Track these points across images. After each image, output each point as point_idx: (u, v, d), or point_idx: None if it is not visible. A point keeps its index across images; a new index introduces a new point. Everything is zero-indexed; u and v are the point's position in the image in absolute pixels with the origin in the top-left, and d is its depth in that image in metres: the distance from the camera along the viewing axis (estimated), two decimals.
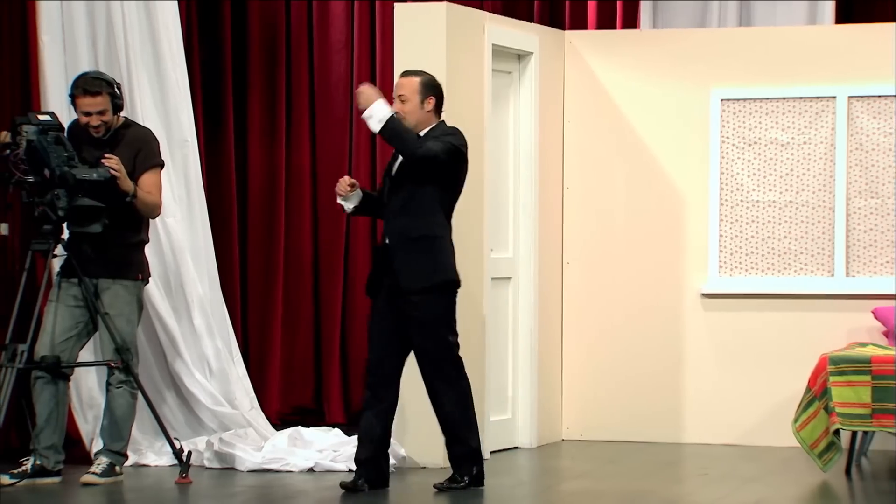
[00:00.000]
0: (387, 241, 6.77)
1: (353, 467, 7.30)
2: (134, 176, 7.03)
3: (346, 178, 6.87)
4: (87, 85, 6.97)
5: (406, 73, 6.88)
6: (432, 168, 6.67)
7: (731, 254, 8.47)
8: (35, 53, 7.83)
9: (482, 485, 6.86)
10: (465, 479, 6.85)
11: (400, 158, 6.78)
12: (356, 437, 6.97)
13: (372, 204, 6.92)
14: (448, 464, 6.96)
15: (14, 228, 7.64)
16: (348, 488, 6.78)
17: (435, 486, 6.86)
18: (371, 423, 6.80)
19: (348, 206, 6.91)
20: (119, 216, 6.99)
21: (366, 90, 6.70)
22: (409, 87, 6.78)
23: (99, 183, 6.87)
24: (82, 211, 6.85)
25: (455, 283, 6.81)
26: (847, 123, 8.29)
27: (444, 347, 6.77)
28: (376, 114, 6.63)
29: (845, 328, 8.16)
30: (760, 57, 8.40)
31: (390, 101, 6.74)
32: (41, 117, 6.91)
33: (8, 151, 6.85)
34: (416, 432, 7.45)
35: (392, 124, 6.62)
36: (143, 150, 7.06)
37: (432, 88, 6.81)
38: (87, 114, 6.99)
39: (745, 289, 8.40)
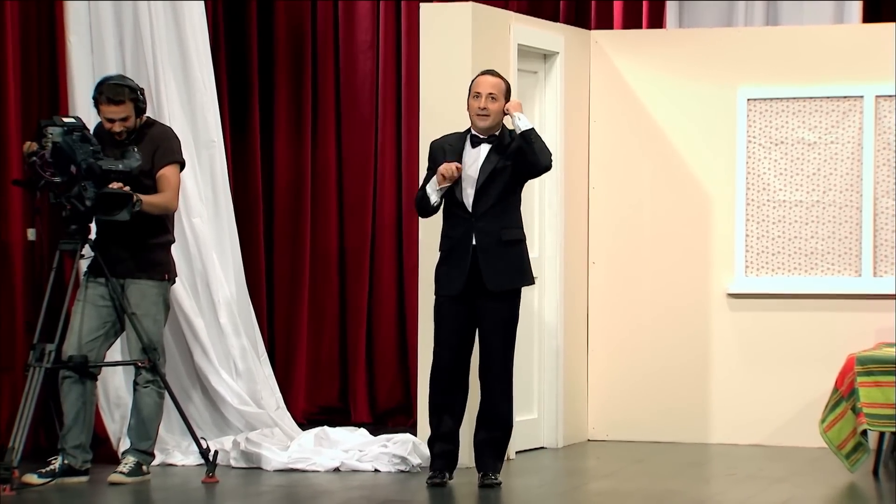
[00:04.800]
0: (473, 242, 6.82)
1: (379, 467, 7.34)
2: (152, 172, 7.06)
3: (456, 164, 6.82)
4: (111, 93, 6.98)
5: (492, 73, 6.94)
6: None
7: (758, 254, 8.44)
8: (62, 53, 7.86)
9: None
10: (499, 478, 6.93)
11: (482, 160, 6.82)
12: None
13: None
14: (472, 462, 7.03)
15: (42, 235, 7.68)
16: (437, 484, 6.88)
17: (483, 486, 6.91)
18: (447, 421, 6.91)
19: (438, 197, 6.87)
20: (146, 217, 7.01)
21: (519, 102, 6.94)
22: (498, 88, 6.88)
23: (125, 173, 6.90)
24: (109, 198, 6.86)
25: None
26: (874, 123, 8.26)
27: (512, 347, 6.94)
28: (524, 118, 6.85)
29: (873, 328, 8.13)
30: (787, 56, 8.38)
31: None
32: (66, 120, 6.94)
33: (34, 159, 6.87)
34: None
35: (536, 132, 6.84)
36: (161, 147, 7.09)
37: (510, 93, 6.95)
38: (111, 120, 7.02)
39: (771, 289, 8.38)
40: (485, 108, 6.83)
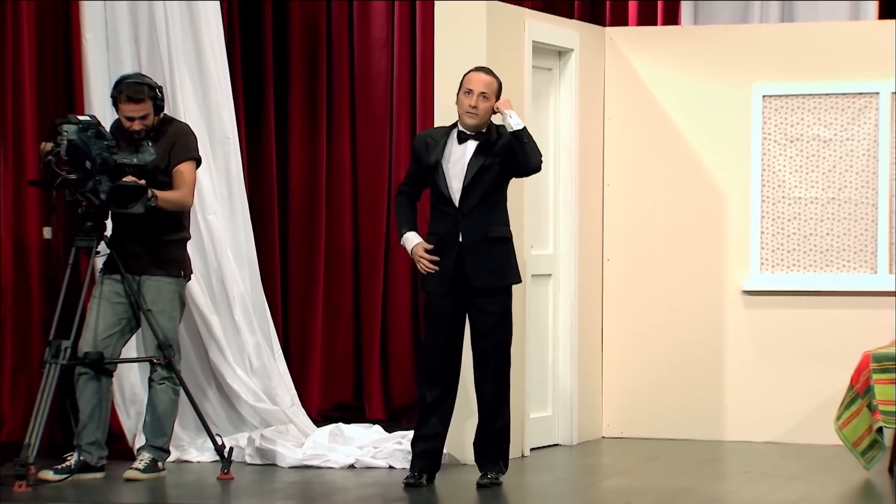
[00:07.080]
0: (460, 238, 6.78)
1: (394, 464, 7.35)
2: (168, 169, 7.07)
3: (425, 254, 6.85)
4: (131, 92, 6.99)
5: (484, 71, 6.86)
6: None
7: (773, 251, 8.43)
8: (78, 52, 7.89)
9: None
10: (500, 477, 6.91)
11: (468, 157, 6.77)
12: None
13: (414, 216, 7.02)
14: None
15: (58, 233, 7.69)
16: (412, 485, 6.82)
17: (480, 486, 6.87)
18: (433, 423, 6.86)
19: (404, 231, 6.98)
20: (161, 213, 7.03)
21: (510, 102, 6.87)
22: (491, 87, 6.80)
23: (139, 167, 6.92)
24: (124, 191, 6.88)
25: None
26: (890, 119, 8.24)
27: (505, 346, 6.86)
28: (515, 117, 6.75)
29: (888, 325, 8.11)
30: (802, 53, 8.36)
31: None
32: (81, 117, 6.96)
33: (50, 157, 6.88)
34: (457, 430, 7.45)
35: (528, 131, 6.76)
36: (177, 143, 7.11)
37: (501, 93, 6.88)
38: (130, 119, 7.04)
39: (786, 286, 8.37)
40: (475, 107, 6.74)
